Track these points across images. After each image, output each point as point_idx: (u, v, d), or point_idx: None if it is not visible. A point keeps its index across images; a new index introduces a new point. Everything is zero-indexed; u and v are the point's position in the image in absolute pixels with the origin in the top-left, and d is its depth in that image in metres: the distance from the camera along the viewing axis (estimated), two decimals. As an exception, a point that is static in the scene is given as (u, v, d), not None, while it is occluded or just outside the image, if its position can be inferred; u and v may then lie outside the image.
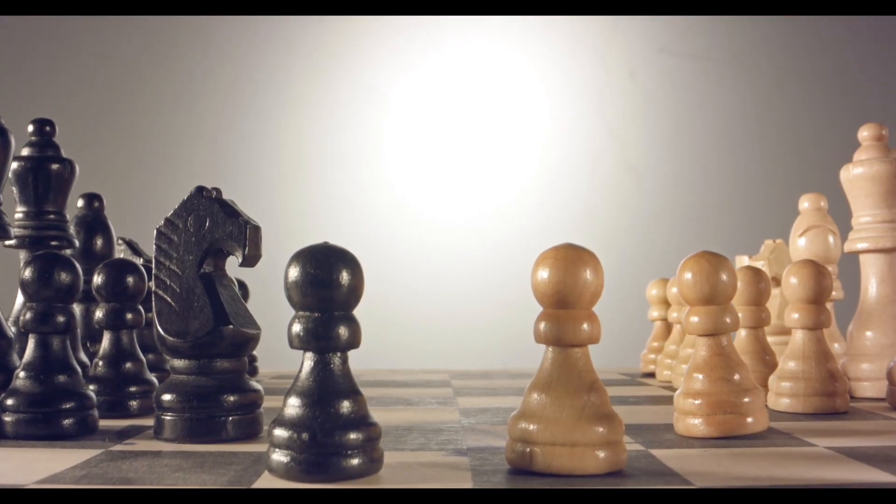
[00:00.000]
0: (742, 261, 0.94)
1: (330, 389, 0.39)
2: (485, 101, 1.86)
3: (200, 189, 0.51)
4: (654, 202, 1.82)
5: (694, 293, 0.51)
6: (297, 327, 0.39)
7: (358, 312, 0.41)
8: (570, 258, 0.41)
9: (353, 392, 0.39)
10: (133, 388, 0.60)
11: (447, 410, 0.63)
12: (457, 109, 1.85)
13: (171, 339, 0.49)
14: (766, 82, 1.84)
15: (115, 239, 0.79)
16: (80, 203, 0.78)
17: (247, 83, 1.82)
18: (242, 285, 0.91)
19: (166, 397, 0.49)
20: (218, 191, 0.51)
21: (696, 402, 0.50)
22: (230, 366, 0.50)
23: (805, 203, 0.82)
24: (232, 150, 1.80)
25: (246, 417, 0.50)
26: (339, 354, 0.40)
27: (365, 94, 1.84)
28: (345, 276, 0.39)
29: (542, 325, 0.41)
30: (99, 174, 1.62)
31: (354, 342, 0.39)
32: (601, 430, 0.40)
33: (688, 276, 0.51)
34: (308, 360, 0.40)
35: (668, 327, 0.96)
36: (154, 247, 0.51)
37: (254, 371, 0.96)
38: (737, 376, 0.50)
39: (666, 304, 0.94)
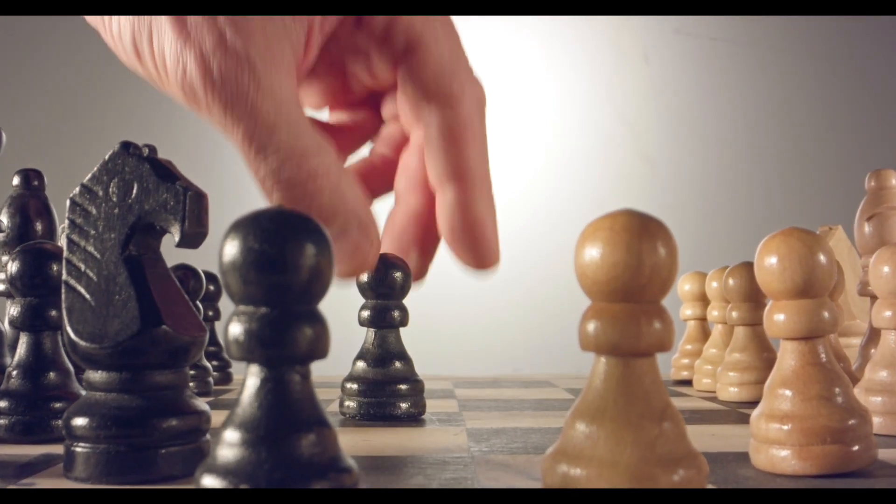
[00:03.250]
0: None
1: (283, 420, 0.27)
2: (487, 87, 1.74)
3: (126, 145, 0.38)
4: (670, 193, 1.69)
5: (781, 283, 0.38)
6: (235, 329, 0.27)
7: (326, 307, 0.28)
8: (634, 229, 0.28)
9: (316, 423, 0.27)
10: (56, 405, 0.47)
11: (452, 432, 0.50)
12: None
13: (83, 343, 0.37)
14: (789, 63, 1.72)
15: (58, 225, 0.67)
16: (16, 181, 0.66)
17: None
18: (212, 278, 0.79)
19: (78, 422, 0.37)
20: (151, 148, 0.39)
21: (785, 427, 0.38)
22: (164, 380, 0.37)
23: (872, 182, 0.69)
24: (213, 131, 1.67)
25: (185, 448, 0.37)
26: (297, 368, 0.27)
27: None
28: (306, 255, 0.26)
29: (591, 327, 0.28)
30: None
31: (319, 349, 0.27)
32: (680, 475, 0.27)
33: (772, 260, 0.39)
34: (253, 378, 0.27)
35: (703, 328, 0.83)
36: (66, 222, 0.39)
37: (227, 378, 0.83)
38: (838, 393, 0.38)
39: (703, 300, 0.82)
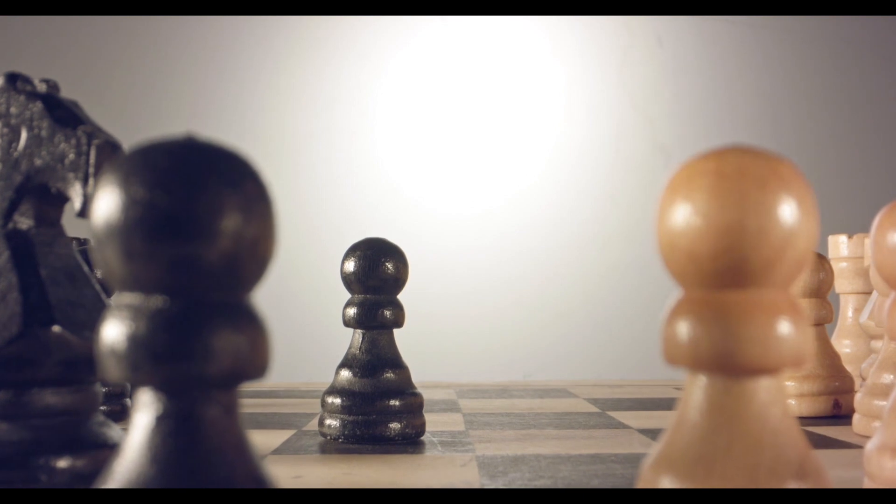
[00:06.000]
0: (838, 242, 0.73)
1: (191, 481, 0.16)
2: (492, 73, 1.64)
3: (12, 78, 0.28)
4: (686, 184, 1.60)
5: (914, 267, 0.28)
6: (113, 331, 0.16)
7: (270, 298, 0.18)
8: (754, 173, 0.18)
9: (247, 480, 0.17)
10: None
11: (458, 461, 0.40)
12: (460, 83, 1.63)
13: (-53, 351, 0.27)
14: (811, 43, 1.62)
15: None
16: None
17: (227, 58, 1.60)
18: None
19: (-60, 460, 0.26)
20: (51, 84, 0.29)
21: (921, 466, 0.27)
22: (59, 402, 0.27)
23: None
24: (208, 126, 1.57)
25: (90, 497, 0.27)
26: (215, 395, 0.17)
27: (358, 64, 1.62)
28: (229, 210, 0.16)
29: (685, 329, 0.18)
30: None
31: (253, 365, 0.17)
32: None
33: (895, 237, 0.28)
34: (143, 412, 0.17)
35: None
36: (-66, 184, 0.29)
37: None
38: None
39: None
